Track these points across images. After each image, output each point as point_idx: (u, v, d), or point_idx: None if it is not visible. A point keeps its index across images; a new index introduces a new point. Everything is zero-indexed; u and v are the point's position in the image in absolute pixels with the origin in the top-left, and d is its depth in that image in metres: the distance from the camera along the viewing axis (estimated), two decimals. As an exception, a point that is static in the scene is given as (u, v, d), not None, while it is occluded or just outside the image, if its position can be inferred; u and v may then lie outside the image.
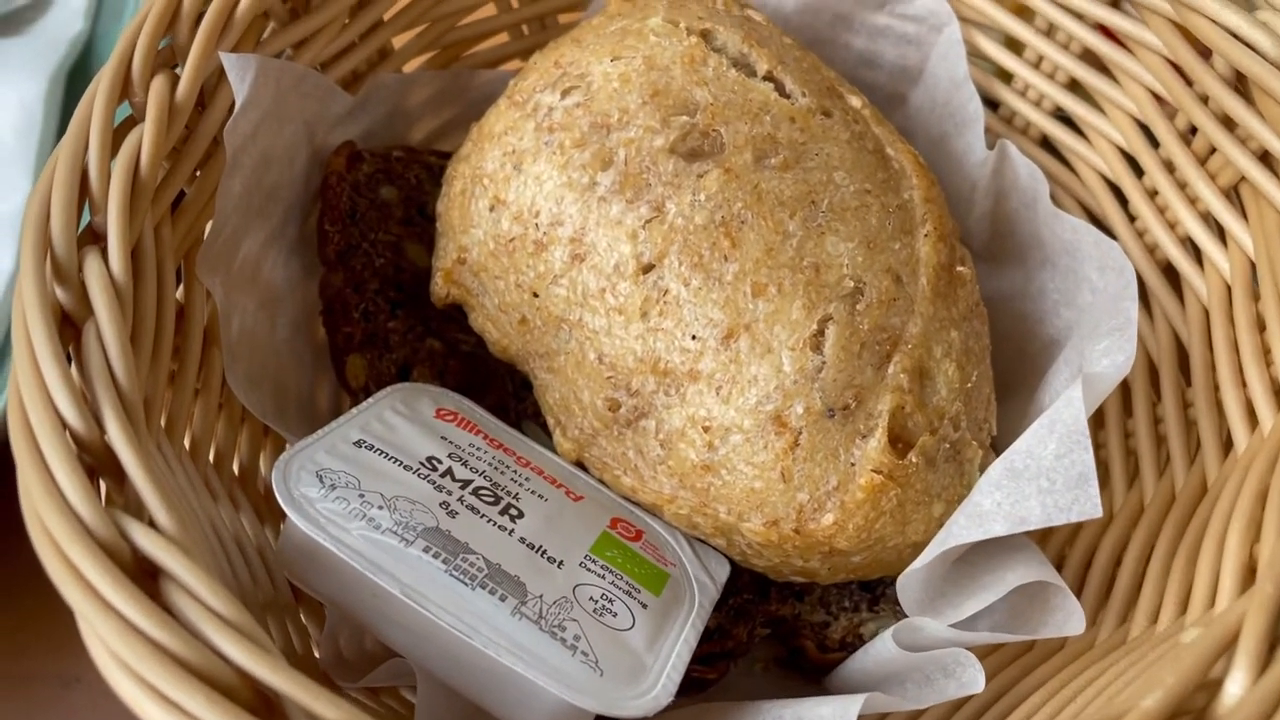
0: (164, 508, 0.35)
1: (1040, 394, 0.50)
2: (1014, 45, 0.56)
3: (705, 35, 0.50)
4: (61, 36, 0.80)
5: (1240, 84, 0.46)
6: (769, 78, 0.49)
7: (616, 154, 0.47)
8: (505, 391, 0.54)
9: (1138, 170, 0.53)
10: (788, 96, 0.48)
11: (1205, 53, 0.47)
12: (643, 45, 0.49)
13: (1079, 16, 0.52)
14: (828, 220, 0.46)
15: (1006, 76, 0.57)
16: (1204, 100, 0.48)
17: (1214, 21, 0.46)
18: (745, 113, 0.47)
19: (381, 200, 0.54)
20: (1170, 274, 0.52)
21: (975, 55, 0.57)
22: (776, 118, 0.47)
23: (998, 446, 0.53)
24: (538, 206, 0.47)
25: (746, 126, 0.47)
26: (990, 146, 0.55)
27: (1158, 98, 0.51)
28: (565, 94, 0.49)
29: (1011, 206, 0.55)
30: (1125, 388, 0.52)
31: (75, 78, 0.81)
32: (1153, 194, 0.52)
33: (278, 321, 0.51)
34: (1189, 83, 0.48)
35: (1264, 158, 0.46)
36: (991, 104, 0.58)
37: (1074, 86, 0.55)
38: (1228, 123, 0.47)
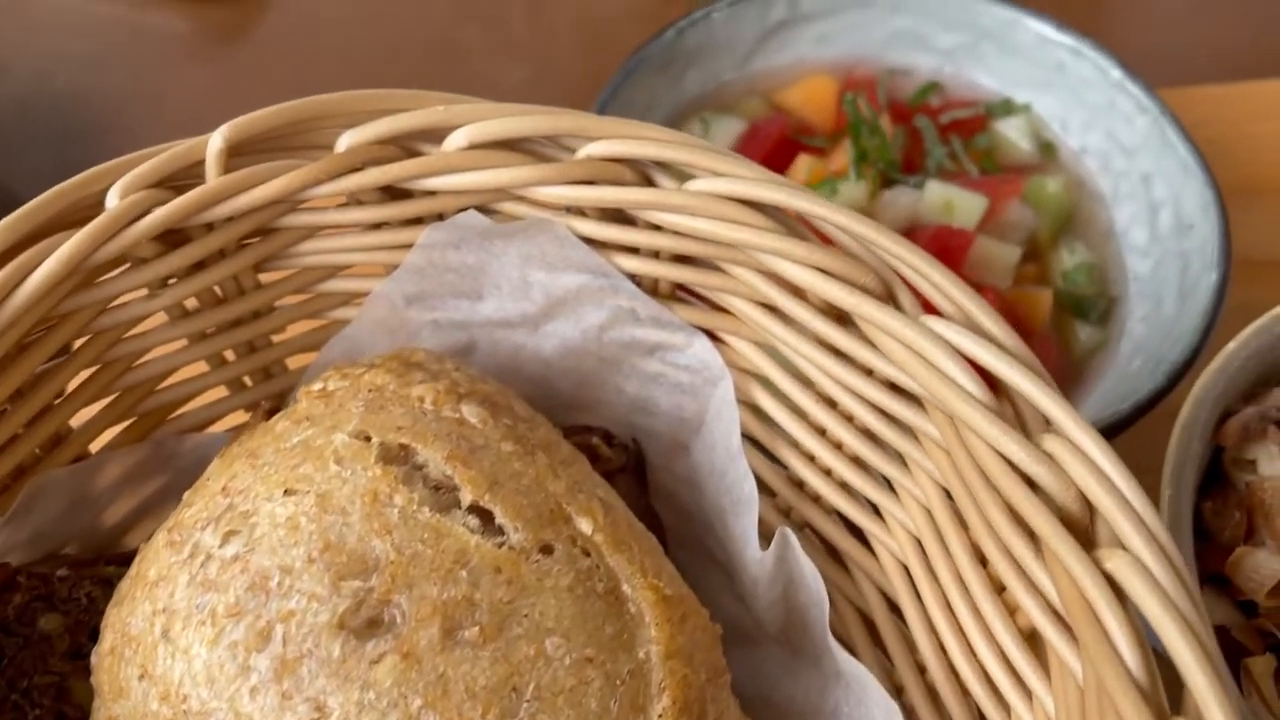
0: None
1: None
2: (796, 409, 0.48)
3: (404, 452, 0.42)
4: None
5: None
6: (475, 509, 0.40)
7: (275, 630, 0.38)
8: None
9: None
10: (498, 532, 0.40)
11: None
12: (320, 475, 0.41)
13: (856, 395, 0.44)
14: (532, 713, 0.37)
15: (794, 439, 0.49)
16: (991, 528, 0.40)
17: (993, 448, 0.38)
18: (436, 569, 0.39)
19: (40, 634, 0.44)
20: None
21: (756, 410, 0.49)
22: (476, 571, 0.39)
23: None
24: (185, 690, 0.38)
25: (435, 589, 0.38)
26: (774, 526, 0.46)
27: (950, 493, 0.43)
28: (226, 539, 0.40)
29: (802, 601, 0.47)
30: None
31: None
32: (948, 606, 0.43)
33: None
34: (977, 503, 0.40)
35: (1057, 616, 0.38)
36: (781, 464, 0.50)
37: (863, 463, 0.47)
38: (1017, 566, 0.39)
